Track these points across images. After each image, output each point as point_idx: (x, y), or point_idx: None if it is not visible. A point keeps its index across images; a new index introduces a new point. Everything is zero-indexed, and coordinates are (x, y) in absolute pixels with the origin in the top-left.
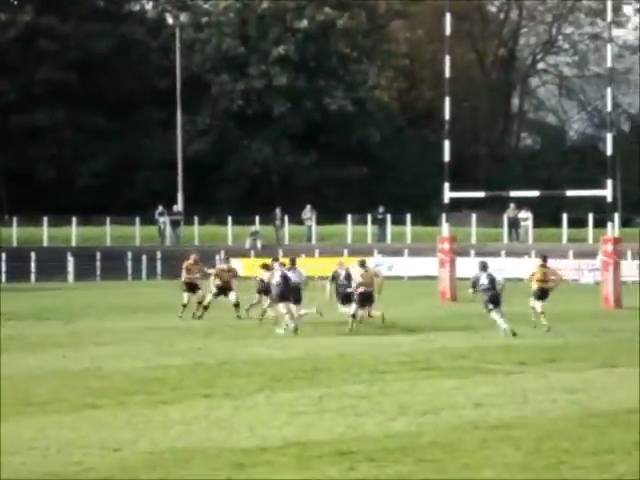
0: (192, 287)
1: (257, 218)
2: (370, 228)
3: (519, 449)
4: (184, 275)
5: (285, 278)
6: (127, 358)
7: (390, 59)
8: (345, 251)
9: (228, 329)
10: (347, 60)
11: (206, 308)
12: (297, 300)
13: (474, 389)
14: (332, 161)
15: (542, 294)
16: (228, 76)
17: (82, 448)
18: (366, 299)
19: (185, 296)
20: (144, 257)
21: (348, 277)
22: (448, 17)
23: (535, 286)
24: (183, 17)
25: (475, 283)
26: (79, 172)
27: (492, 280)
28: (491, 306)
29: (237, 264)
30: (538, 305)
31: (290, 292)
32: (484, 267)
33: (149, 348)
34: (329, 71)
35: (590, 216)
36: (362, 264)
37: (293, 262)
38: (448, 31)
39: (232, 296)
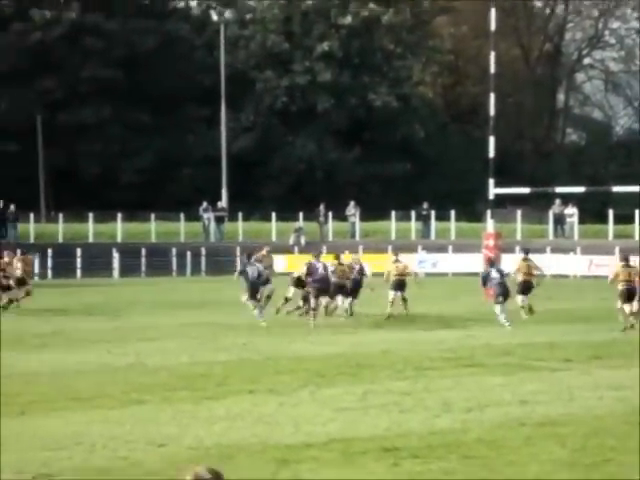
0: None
1: (301, 214)
2: (414, 224)
3: (565, 446)
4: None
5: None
6: (172, 354)
7: (434, 55)
8: (389, 247)
9: (272, 325)
10: (391, 56)
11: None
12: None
13: (519, 386)
14: (376, 157)
15: (525, 288)
16: (272, 72)
17: (127, 443)
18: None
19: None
20: (188, 253)
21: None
22: (493, 12)
23: (520, 279)
24: (227, 14)
25: (485, 279)
26: (124, 169)
27: (502, 274)
28: (501, 299)
29: (281, 260)
30: (520, 299)
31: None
32: (492, 263)
33: (194, 344)
34: (373, 67)
35: (637, 212)
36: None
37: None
38: (493, 26)
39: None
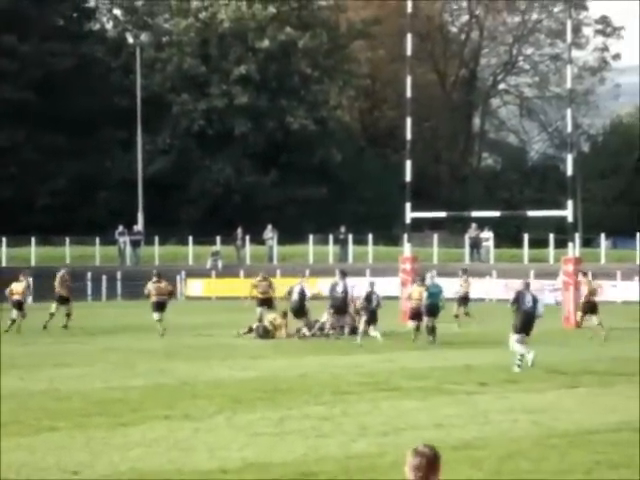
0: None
1: (218, 238)
2: (332, 248)
3: (480, 469)
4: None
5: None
6: (87, 379)
7: (351, 79)
8: (307, 271)
9: (189, 350)
10: (308, 80)
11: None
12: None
13: (435, 410)
14: (293, 181)
15: (464, 300)
16: (189, 96)
17: (40, 471)
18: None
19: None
20: (104, 277)
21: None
22: (409, 37)
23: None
24: (144, 36)
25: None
26: (39, 192)
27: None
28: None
29: (198, 284)
30: (461, 310)
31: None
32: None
33: (109, 369)
34: (291, 90)
35: (551, 236)
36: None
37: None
38: (409, 51)
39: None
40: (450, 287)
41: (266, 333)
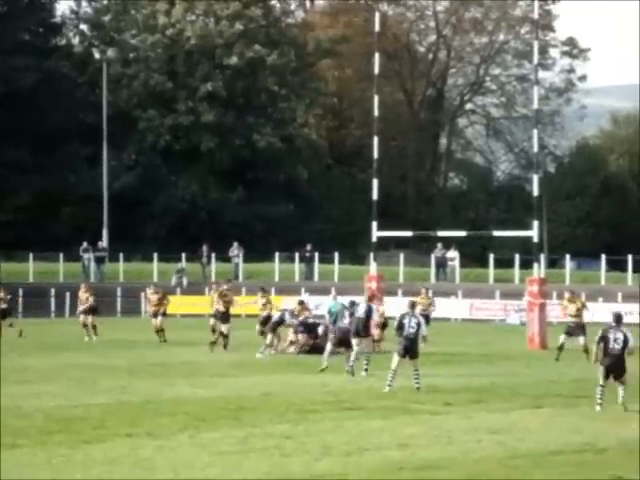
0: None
1: (183, 255)
2: (298, 266)
3: None
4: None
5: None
6: (49, 397)
7: (319, 97)
8: (272, 289)
9: (152, 367)
10: (276, 97)
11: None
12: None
13: (399, 429)
14: (260, 198)
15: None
16: (155, 112)
17: None
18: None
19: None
20: (67, 294)
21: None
22: (377, 56)
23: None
24: (110, 52)
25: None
26: (2, 207)
27: (418, 324)
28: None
29: None
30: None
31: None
32: (412, 306)
33: (71, 386)
34: (258, 108)
35: (516, 257)
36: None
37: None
38: (377, 70)
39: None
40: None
41: None
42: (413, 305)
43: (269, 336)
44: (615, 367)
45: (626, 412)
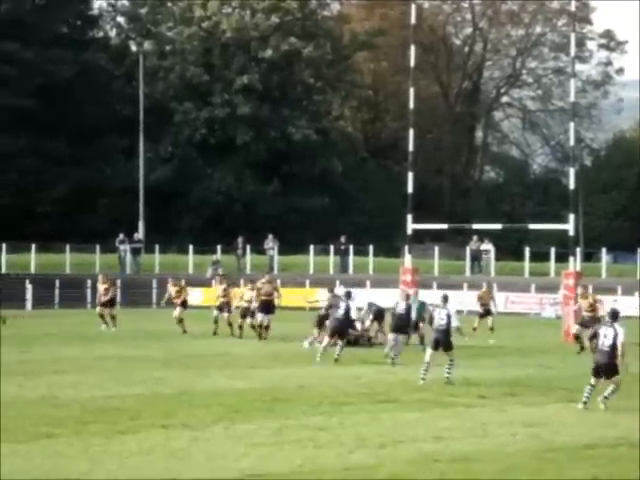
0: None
1: (219, 247)
2: (332, 259)
3: None
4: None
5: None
6: (85, 387)
7: (354, 90)
8: (307, 282)
9: (187, 359)
10: (311, 90)
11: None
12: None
13: (434, 422)
14: (295, 191)
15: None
16: (191, 104)
17: (37, 478)
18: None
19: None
20: None
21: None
22: (412, 49)
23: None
24: (147, 44)
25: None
26: (39, 199)
27: (448, 316)
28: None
29: (198, 294)
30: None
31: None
32: (445, 300)
33: (107, 377)
34: (293, 101)
35: (552, 250)
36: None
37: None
38: (412, 63)
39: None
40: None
41: None
42: (446, 298)
43: (315, 330)
44: (604, 364)
45: (605, 410)
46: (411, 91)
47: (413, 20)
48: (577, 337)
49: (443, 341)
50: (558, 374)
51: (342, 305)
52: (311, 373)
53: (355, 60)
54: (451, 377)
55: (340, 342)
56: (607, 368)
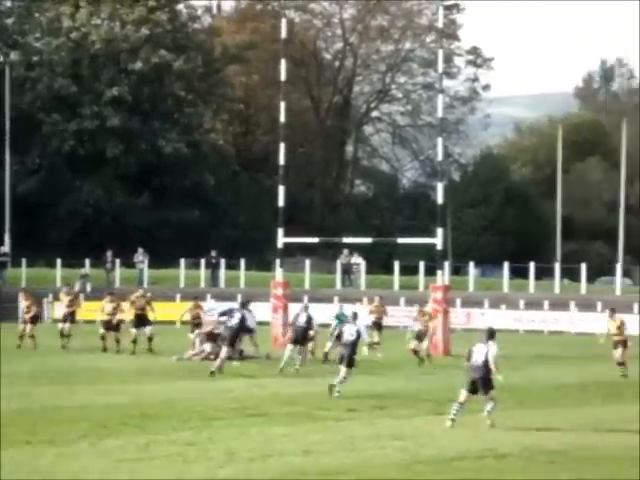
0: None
1: (87, 261)
2: (203, 272)
3: None
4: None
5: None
6: None
7: (225, 103)
8: (178, 295)
9: (54, 374)
10: (182, 103)
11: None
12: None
13: (303, 436)
14: (166, 204)
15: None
16: (59, 116)
17: None
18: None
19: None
20: None
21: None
22: (283, 63)
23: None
24: (13, 55)
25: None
26: None
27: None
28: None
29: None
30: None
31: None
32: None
33: None
34: (163, 113)
35: (421, 264)
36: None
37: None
38: (283, 77)
39: None
40: (323, 312)
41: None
42: (355, 315)
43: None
44: (480, 378)
45: (492, 427)
46: (282, 105)
47: (284, 34)
48: (415, 351)
49: (347, 355)
50: (426, 386)
51: (237, 314)
52: (181, 387)
53: (226, 73)
54: (342, 392)
55: (227, 350)
56: (483, 382)
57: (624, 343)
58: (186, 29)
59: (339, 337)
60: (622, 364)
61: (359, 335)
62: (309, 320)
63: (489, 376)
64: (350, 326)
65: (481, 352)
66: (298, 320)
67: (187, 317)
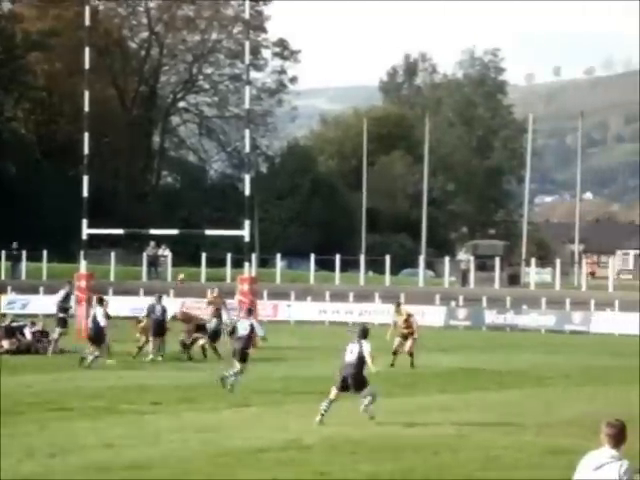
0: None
1: None
2: (4, 264)
3: None
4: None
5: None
6: None
7: (28, 91)
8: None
9: None
10: None
11: None
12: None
13: (107, 430)
14: None
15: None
16: None
17: None
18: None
19: None
20: None
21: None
22: (87, 51)
23: None
24: None
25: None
26: None
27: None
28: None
29: None
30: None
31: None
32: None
33: None
34: None
35: (228, 256)
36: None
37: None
38: (87, 65)
39: None
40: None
41: None
42: (250, 311)
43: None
44: (351, 375)
45: (372, 419)
46: (86, 94)
47: (87, 22)
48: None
49: (239, 350)
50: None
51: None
52: None
53: (28, 60)
54: (235, 386)
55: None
56: (355, 379)
57: (412, 335)
58: None
59: (233, 332)
60: (411, 355)
61: (252, 329)
62: (164, 311)
63: (362, 374)
64: (244, 321)
65: (354, 351)
66: (155, 312)
67: None
